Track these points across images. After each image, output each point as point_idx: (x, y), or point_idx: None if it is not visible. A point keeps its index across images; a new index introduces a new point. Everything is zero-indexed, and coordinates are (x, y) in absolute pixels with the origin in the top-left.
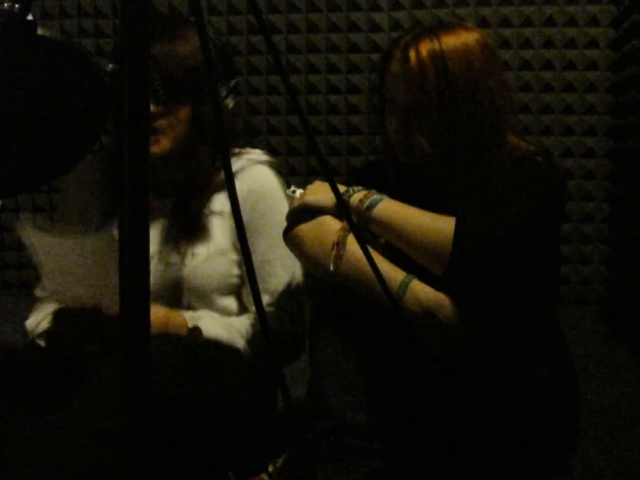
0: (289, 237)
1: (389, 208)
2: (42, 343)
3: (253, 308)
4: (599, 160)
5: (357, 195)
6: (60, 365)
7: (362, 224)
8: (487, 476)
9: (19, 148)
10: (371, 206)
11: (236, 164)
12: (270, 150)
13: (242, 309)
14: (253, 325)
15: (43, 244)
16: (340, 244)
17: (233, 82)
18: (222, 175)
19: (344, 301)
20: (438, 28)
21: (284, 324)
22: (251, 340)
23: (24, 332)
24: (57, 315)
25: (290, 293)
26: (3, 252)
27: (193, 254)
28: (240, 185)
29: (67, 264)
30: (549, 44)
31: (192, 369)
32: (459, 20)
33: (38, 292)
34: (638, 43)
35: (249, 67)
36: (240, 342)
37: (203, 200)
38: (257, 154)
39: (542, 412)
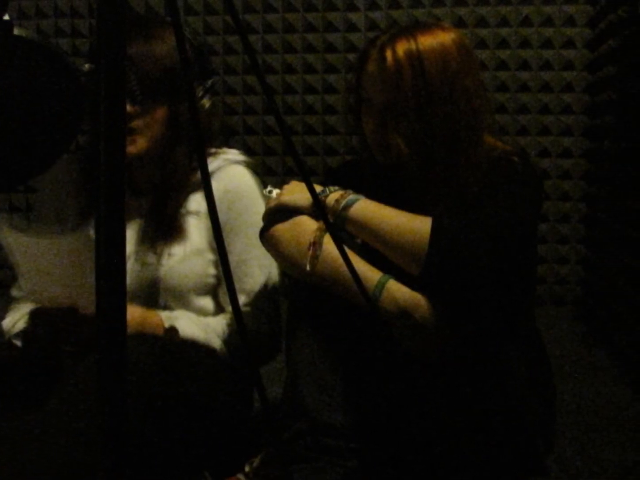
0: (266, 237)
1: (365, 208)
2: (18, 343)
3: (229, 308)
4: (576, 161)
5: (334, 195)
6: (37, 365)
7: (338, 224)
8: (463, 476)
9: None
10: (347, 206)
11: (213, 164)
12: (246, 150)
13: (219, 309)
14: (229, 325)
15: (19, 244)
16: (316, 244)
17: (210, 82)
18: (199, 175)
19: (320, 301)
20: (415, 28)
21: (260, 324)
22: (227, 340)
23: (0, 332)
24: (33, 315)
25: (266, 293)
26: None
27: (169, 254)
28: (216, 185)
29: (43, 264)
30: (525, 44)
31: (168, 369)
32: (435, 20)
33: (14, 292)
34: (614, 43)
35: (225, 67)
36: (216, 342)
37: (180, 200)
38: (234, 154)
39: (519, 412)
